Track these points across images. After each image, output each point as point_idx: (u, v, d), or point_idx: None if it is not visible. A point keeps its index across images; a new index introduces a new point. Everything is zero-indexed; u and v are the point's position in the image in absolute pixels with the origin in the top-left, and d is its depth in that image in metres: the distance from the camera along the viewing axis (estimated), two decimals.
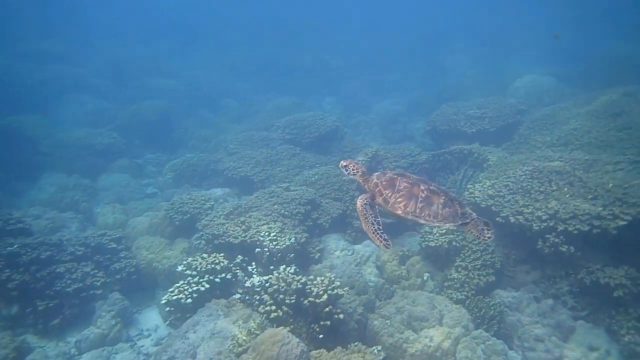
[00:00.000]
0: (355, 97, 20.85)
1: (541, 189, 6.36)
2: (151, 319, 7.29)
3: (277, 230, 7.57)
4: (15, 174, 12.40)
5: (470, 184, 8.71)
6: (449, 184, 9.59)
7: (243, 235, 7.43)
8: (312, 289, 6.01)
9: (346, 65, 25.54)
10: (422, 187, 4.32)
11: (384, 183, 4.43)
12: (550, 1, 29.43)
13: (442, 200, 4.25)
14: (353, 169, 4.63)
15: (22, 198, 11.70)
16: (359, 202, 4.45)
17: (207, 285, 6.46)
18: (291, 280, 6.12)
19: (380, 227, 4.26)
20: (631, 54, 15.02)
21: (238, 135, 13.27)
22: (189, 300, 6.30)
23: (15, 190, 11.94)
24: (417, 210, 4.22)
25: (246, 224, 7.71)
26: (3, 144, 12.78)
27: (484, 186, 7.32)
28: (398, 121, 16.90)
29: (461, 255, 6.69)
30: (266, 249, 7.17)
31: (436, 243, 6.94)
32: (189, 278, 6.59)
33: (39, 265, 6.69)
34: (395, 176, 4.46)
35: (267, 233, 7.44)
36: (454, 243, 6.85)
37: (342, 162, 4.70)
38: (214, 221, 7.79)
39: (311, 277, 6.40)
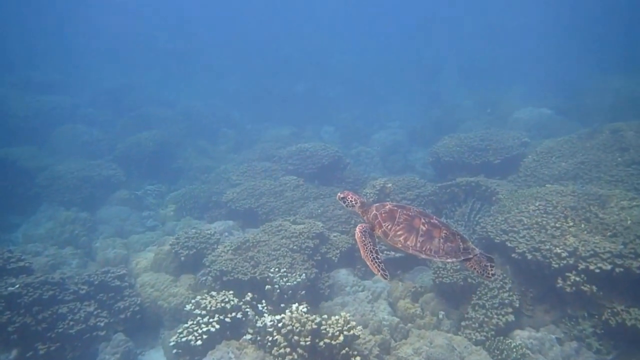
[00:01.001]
0: (353, 127, 21.01)
1: (557, 225, 6.31)
2: None
3: (286, 266, 7.40)
4: (10, 207, 12.12)
5: (481, 218, 8.67)
6: (457, 217, 9.53)
7: (252, 271, 7.25)
8: (328, 329, 5.81)
9: (342, 94, 25.88)
10: (422, 220, 4.20)
11: (383, 215, 4.30)
12: (540, 34, 30.41)
13: (443, 234, 4.12)
14: (351, 200, 4.54)
15: (16, 232, 11.40)
16: (358, 230, 4.34)
17: (218, 326, 6.22)
18: (305, 320, 5.91)
19: (379, 257, 4.16)
20: (625, 87, 15.40)
21: (240, 166, 13.19)
22: (199, 342, 6.05)
23: (10, 224, 11.64)
24: (418, 245, 4.09)
25: (255, 259, 7.54)
26: None
27: (497, 221, 7.27)
28: (397, 151, 17.02)
29: (477, 292, 6.56)
30: (277, 286, 6.98)
31: (451, 280, 6.80)
32: (199, 318, 6.35)
33: (41, 306, 6.41)
34: (395, 208, 4.34)
35: (277, 269, 7.26)
36: (469, 280, 6.72)
37: (339, 193, 4.60)
38: (222, 257, 7.59)
39: (325, 316, 6.20)
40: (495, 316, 6.14)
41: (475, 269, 4.14)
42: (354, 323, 5.92)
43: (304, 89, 26.11)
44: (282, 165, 12.86)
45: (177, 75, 30.19)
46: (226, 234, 9.47)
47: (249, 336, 6.39)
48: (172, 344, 6.17)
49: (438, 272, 7.13)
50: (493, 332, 6.02)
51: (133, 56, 33.31)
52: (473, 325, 6.21)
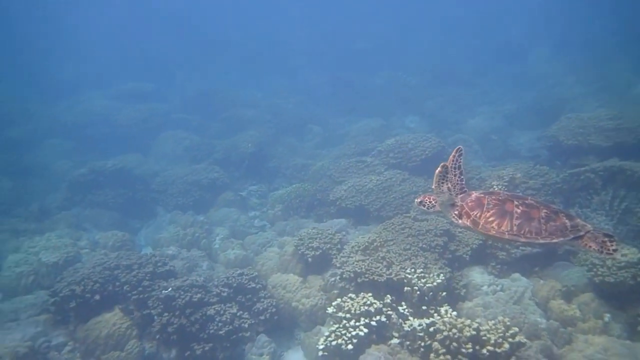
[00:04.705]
0: (440, 114, 20.12)
1: None
2: None
3: (422, 267, 7.11)
4: (130, 212, 13.00)
5: (628, 206, 7.80)
6: (594, 205, 8.67)
7: (387, 272, 7.04)
8: (488, 335, 5.46)
9: (424, 82, 24.95)
10: (516, 203, 3.94)
11: (470, 204, 4.14)
12: None
13: (543, 214, 3.84)
14: (430, 202, 4.44)
15: (137, 235, 12.19)
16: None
17: (366, 330, 6.09)
18: (461, 325, 5.60)
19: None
20: None
21: (339, 162, 13.07)
22: (350, 347, 5.95)
23: (132, 228, 12.48)
24: (514, 228, 3.85)
25: (387, 259, 7.33)
26: (118, 184, 13.46)
27: None
28: (494, 137, 16.02)
29: None
30: (416, 288, 6.72)
31: (615, 278, 6.12)
32: (344, 321, 6.26)
33: (193, 308, 6.69)
34: (482, 195, 4.17)
35: (412, 270, 6.99)
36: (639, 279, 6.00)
37: (415, 200, 4.54)
38: (352, 257, 7.47)
39: (478, 320, 5.86)
40: None
41: (590, 246, 3.77)
42: (516, 329, 5.50)
43: (383, 80, 25.53)
44: (382, 159, 12.54)
45: (254, 76, 30.83)
46: (343, 232, 9.36)
47: (396, 340, 6.21)
48: (320, 347, 6.13)
49: (595, 269, 6.46)
50: None
51: (211, 61, 34.55)
52: None
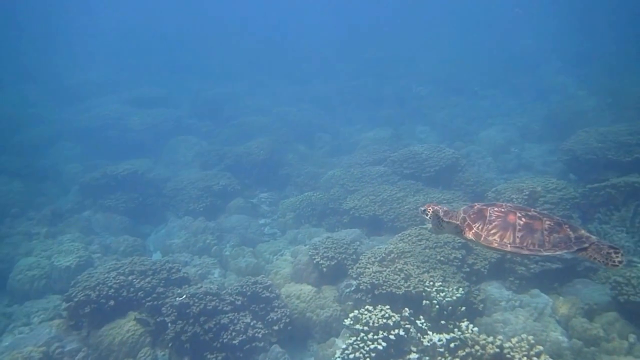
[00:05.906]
0: (451, 125, 20.02)
1: None
2: None
3: (440, 280, 6.98)
4: (140, 217, 12.92)
5: None
6: (614, 222, 8.52)
7: (406, 285, 6.91)
8: (512, 353, 5.32)
9: (434, 92, 24.92)
10: (518, 214, 3.89)
11: (472, 216, 4.07)
12: None
13: (546, 226, 3.79)
14: (434, 212, 4.35)
15: (146, 240, 12.11)
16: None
17: (384, 344, 5.95)
18: (484, 342, 5.47)
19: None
20: None
21: (352, 171, 12.98)
22: None
23: (141, 233, 12.40)
24: (517, 241, 3.79)
25: (404, 271, 7.20)
26: (129, 188, 13.39)
27: None
28: (509, 150, 15.90)
29: None
30: (435, 302, 6.58)
31: None
32: (362, 334, 6.13)
33: (207, 317, 6.59)
34: (485, 207, 4.11)
35: (431, 283, 6.86)
36: None
37: (420, 208, 4.49)
38: (369, 268, 7.35)
39: (500, 337, 5.71)
40: None
41: (594, 258, 3.67)
42: (540, 347, 5.36)
43: (392, 89, 25.51)
44: (396, 169, 12.46)
45: (265, 84, 30.89)
46: (357, 243, 9.24)
47: (414, 355, 6.06)
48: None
49: (620, 287, 6.32)
50: None
51: (222, 68, 34.70)
52: None
